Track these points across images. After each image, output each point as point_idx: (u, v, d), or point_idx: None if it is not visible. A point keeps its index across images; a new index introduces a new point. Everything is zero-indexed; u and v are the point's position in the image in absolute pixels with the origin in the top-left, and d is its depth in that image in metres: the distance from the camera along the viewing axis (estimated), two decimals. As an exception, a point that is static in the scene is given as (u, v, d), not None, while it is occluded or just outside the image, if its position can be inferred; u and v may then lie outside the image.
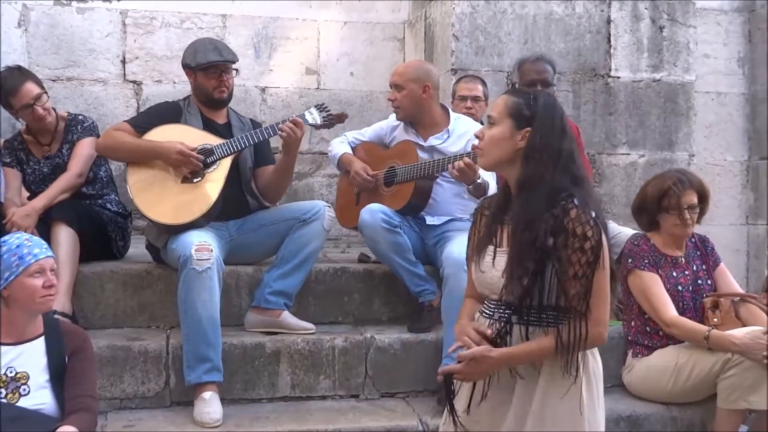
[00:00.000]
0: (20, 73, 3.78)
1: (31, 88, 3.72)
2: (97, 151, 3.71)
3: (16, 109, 3.75)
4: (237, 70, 3.75)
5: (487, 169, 2.38)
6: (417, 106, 3.81)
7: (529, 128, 2.20)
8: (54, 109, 3.88)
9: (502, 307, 2.24)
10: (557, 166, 2.18)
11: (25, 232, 3.19)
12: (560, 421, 2.20)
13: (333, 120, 3.72)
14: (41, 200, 3.62)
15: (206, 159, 3.51)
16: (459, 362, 2.25)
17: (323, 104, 3.76)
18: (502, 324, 2.23)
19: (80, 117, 3.94)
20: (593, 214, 2.14)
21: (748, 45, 5.91)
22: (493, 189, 3.58)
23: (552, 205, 2.14)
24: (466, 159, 3.38)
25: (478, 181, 3.46)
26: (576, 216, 2.13)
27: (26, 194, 3.83)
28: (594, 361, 2.29)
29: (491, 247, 2.27)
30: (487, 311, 2.31)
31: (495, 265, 2.23)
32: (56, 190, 3.67)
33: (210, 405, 3.14)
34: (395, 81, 3.82)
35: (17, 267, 2.57)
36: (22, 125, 3.97)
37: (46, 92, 3.81)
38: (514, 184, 2.25)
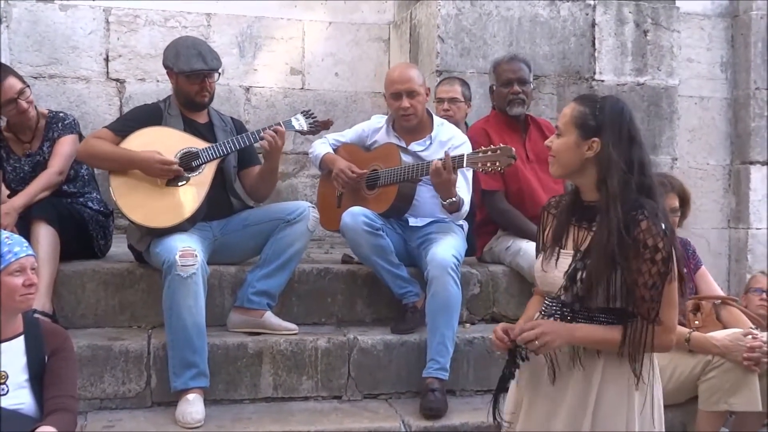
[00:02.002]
0: (8, 72, 3.75)
1: (13, 83, 3.70)
2: (79, 159, 3.68)
3: (5, 100, 3.68)
4: (221, 73, 3.72)
5: (556, 176, 2.41)
6: (424, 111, 3.81)
7: (595, 138, 2.23)
8: (35, 107, 3.84)
9: (558, 305, 2.29)
10: (627, 177, 2.21)
11: (5, 230, 3.13)
12: (613, 421, 2.24)
13: (319, 126, 3.74)
14: (21, 198, 3.59)
15: (191, 163, 3.49)
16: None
17: (309, 111, 3.78)
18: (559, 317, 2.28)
19: (61, 114, 3.91)
20: (663, 226, 2.18)
21: (730, 50, 5.96)
22: (467, 206, 3.65)
23: (624, 217, 2.17)
24: (437, 162, 3.41)
25: (454, 199, 3.49)
26: (647, 228, 2.17)
27: (6, 192, 3.79)
28: (653, 367, 2.34)
29: (556, 248, 2.32)
30: (545, 309, 2.36)
31: (557, 266, 2.28)
32: (36, 188, 3.64)
33: (192, 405, 3.13)
34: (410, 87, 3.73)
35: None
36: (2, 123, 3.92)
37: (28, 86, 3.79)
38: (587, 191, 2.30)
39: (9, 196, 3.71)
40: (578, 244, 2.28)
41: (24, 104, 3.71)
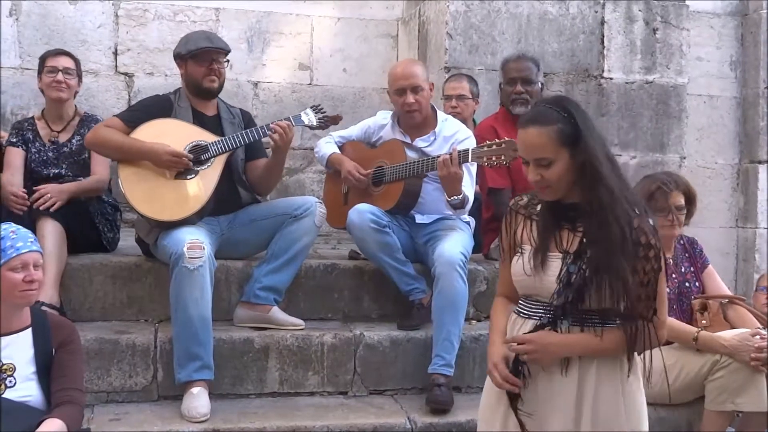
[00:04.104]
0: (65, 50, 4.11)
1: (67, 60, 3.97)
2: (87, 146, 3.71)
3: (45, 69, 3.93)
4: (229, 61, 3.74)
5: (552, 200, 2.22)
6: (428, 107, 3.80)
7: (580, 143, 2.13)
8: (75, 104, 4.04)
9: (549, 310, 2.21)
10: (615, 170, 2.16)
11: (53, 204, 3.54)
12: (612, 420, 2.21)
13: (328, 121, 3.74)
14: (73, 186, 3.73)
15: (200, 156, 3.50)
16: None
17: (319, 105, 3.78)
18: (547, 325, 2.21)
19: (96, 116, 4.10)
20: (651, 222, 2.15)
21: (740, 49, 5.93)
22: (470, 202, 3.65)
23: (620, 216, 2.12)
24: (444, 155, 3.42)
25: (458, 196, 3.50)
26: (639, 226, 2.13)
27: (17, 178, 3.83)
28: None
29: (543, 251, 2.22)
30: (526, 311, 2.28)
31: (547, 270, 2.19)
32: (87, 186, 3.80)
33: (198, 399, 3.13)
34: (414, 83, 3.72)
35: None
36: (36, 112, 4.10)
37: (79, 77, 4.04)
38: (567, 193, 2.20)
39: (28, 177, 3.83)
40: (565, 246, 2.20)
41: (61, 78, 3.89)
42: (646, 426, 2.27)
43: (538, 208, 2.28)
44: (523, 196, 2.37)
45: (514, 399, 2.24)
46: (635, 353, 2.22)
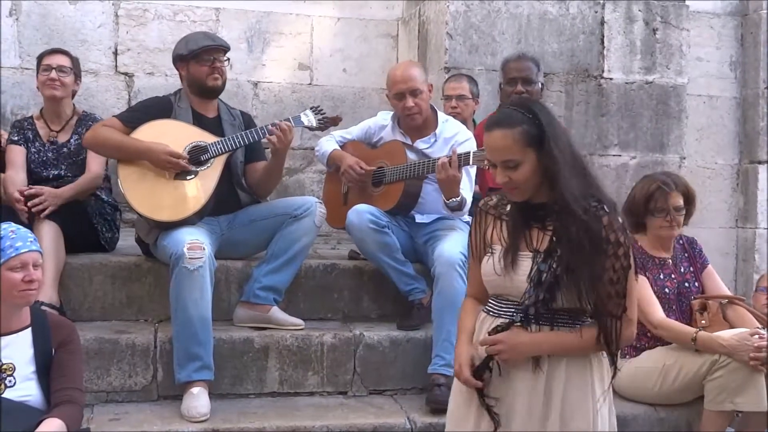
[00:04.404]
0: (63, 49, 4.07)
1: (63, 60, 3.95)
2: (85, 146, 3.70)
3: (42, 66, 3.92)
4: (229, 59, 3.74)
5: (521, 200, 2.23)
6: (428, 108, 3.80)
7: (545, 143, 2.14)
8: (73, 103, 4.04)
9: (519, 309, 2.22)
10: (578, 169, 2.17)
11: (45, 209, 3.53)
12: (580, 417, 2.22)
13: (328, 123, 3.75)
14: (68, 191, 3.70)
15: (200, 157, 3.50)
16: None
17: (319, 107, 3.78)
18: (518, 323, 2.22)
19: (94, 115, 4.09)
20: (620, 220, 2.16)
21: (740, 49, 5.93)
22: (468, 205, 3.64)
23: (587, 213, 2.13)
24: (444, 158, 3.42)
25: (457, 198, 3.49)
26: (608, 223, 2.14)
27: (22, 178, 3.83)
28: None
29: (513, 251, 2.23)
30: (496, 311, 2.29)
31: (517, 269, 2.21)
32: (81, 186, 3.77)
33: (198, 399, 3.13)
34: (413, 86, 3.71)
35: None
36: (35, 111, 4.09)
37: (77, 75, 4.02)
38: (535, 192, 2.20)
39: (28, 178, 3.83)
40: (535, 245, 2.21)
41: (54, 75, 3.87)
42: (613, 422, 2.30)
43: (508, 208, 2.29)
44: (492, 197, 2.38)
45: (481, 396, 2.26)
46: (610, 351, 2.22)
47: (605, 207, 2.16)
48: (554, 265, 2.16)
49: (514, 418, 2.24)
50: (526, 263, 2.20)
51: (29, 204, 3.55)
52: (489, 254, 2.28)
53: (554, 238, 2.18)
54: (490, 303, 2.33)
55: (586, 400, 2.23)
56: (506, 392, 2.26)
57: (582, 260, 2.12)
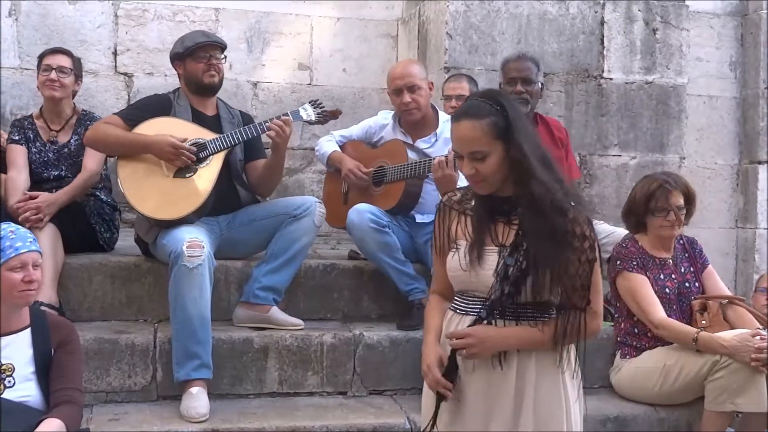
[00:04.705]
0: (64, 48, 4.03)
1: (64, 60, 3.90)
2: (86, 143, 3.69)
3: (42, 66, 3.88)
4: (226, 57, 3.75)
5: (486, 193, 2.21)
6: (428, 106, 3.80)
7: (513, 136, 2.11)
8: (73, 102, 4.01)
9: (486, 304, 2.20)
10: (542, 164, 2.14)
11: (41, 219, 3.48)
12: (553, 413, 2.20)
13: (327, 116, 3.73)
14: (63, 195, 3.66)
15: (199, 154, 3.49)
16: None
17: (317, 100, 3.77)
18: (485, 320, 2.20)
19: (93, 114, 4.05)
20: (586, 214, 2.16)
21: (740, 49, 5.93)
22: None
23: (553, 206, 2.11)
24: (440, 158, 3.42)
25: None
26: (574, 216, 2.13)
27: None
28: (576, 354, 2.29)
29: (477, 245, 2.21)
30: (463, 308, 2.27)
31: (483, 264, 2.19)
32: (76, 187, 3.73)
33: (197, 399, 3.12)
34: (410, 82, 3.73)
35: None
36: (35, 110, 4.06)
37: (78, 76, 4.01)
38: (501, 186, 2.19)
39: (33, 179, 3.81)
40: (501, 239, 2.19)
41: (54, 76, 3.83)
42: (579, 425, 2.26)
43: (473, 203, 2.27)
44: (456, 192, 2.36)
45: (439, 400, 2.24)
46: (570, 344, 2.21)
47: (571, 201, 2.15)
48: (521, 259, 2.14)
49: (488, 416, 2.22)
50: (492, 258, 2.18)
51: (23, 217, 3.48)
52: (454, 250, 2.26)
53: (520, 232, 2.16)
54: (456, 300, 2.31)
55: (560, 400, 2.21)
56: (470, 389, 2.24)
57: (548, 253, 2.11)
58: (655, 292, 3.46)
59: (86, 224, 3.79)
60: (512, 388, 2.20)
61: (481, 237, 2.21)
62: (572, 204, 2.15)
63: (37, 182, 3.78)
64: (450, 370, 2.22)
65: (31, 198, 3.57)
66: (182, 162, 3.46)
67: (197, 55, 3.60)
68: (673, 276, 3.55)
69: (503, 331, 2.19)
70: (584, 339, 2.22)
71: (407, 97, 3.74)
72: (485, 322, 2.20)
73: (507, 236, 2.19)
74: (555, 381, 2.22)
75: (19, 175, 3.75)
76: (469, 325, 2.22)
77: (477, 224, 2.22)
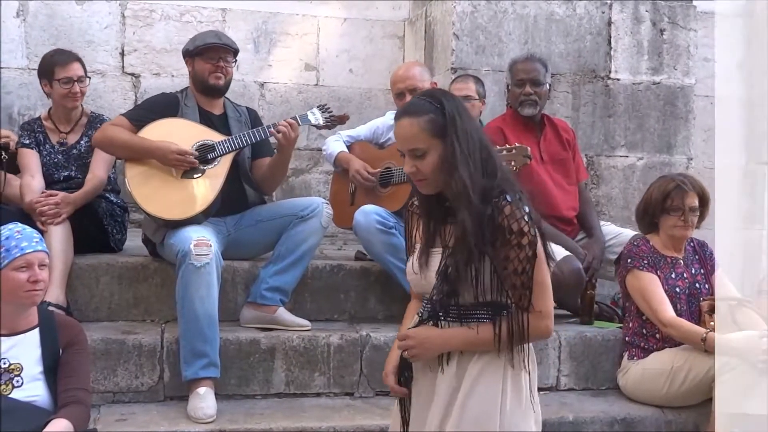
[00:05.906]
0: (72, 54, 3.95)
1: (78, 67, 3.87)
2: (95, 145, 3.70)
3: (57, 79, 3.82)
4: (236, 61, 3.75)
5: (430, 193, 2.19)
6: None
7: (451, 134, 2.11)
8: (81, 106, 3.99)
9: (432, 306, 2.20)
10: (476, 161, 2.11)
11: (59, 215, 3.51)
12: (484, 417, 2.14)
13: (335, 121, 3.74)
14: (79, 197, 3.67)
15: (207, 155, 3.50)
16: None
17: (326, 105, 3.78)
18: (427, 321, 2.20)
19: (103, 116, 4.05)
20: (527, 209, 2.11)
21: (747, 50, 5.91)
22: None
23: (486, 204, 2.08)
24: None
25: None
26: (510, 212, 2.08)
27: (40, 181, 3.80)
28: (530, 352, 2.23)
29: (425, 247, 2.21)
30: (421, 312, 2.27)
31: (429, 266, 2.19)
32: (88, 191, 3.73)
33: (204, 400, 3.13)
34: (411, 85, 3.73)
35: (3, 260, 2.55)
36: (43, 112, 4.03)
37: (89, 77, 3.96)
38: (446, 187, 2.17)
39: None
40: (446, 240, 2.16)
41: (77, 89, 3.83)
42: (530, 425, 2.20)
43: (415, 203, 2.27)
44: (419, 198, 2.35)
45: (402, 403, 2.26)
46: (517, 346, 2.15)
47: (507, 197, 2.10)
48: (457, 258, 2.11)
49: (427, 418, 2.20)
50: (436, 259, 2.17)
51: (41, 210, 3.52)
52: (412, 254, 2.27)
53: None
54: (423, 304, 2.29)
55: (495, 404, 2.14)
56: (419, 392, 2.24)
57: (479, 252, 2.07)
58: (666, 291, 3.46)
59: (99, 226, 3.80)
60: (449, 388, 2.18)
61: (429, 239, 2.21)
62: (509, 200, 2.10)
63: (48, 184, 3.77)
64: (401, 373, 2.25)
65: (51, 196, 3.58)
66: (186, 168, 3.47)
67: (206, 56, 3.61)
68: (685, 275, 3.55)
69: (444, 333, 2.18)
70: (527, 341, 2.16)
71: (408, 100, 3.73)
72: (431, 323, 2.19)
73: (451, 236, 2.17)
74: (494, 383, 2.15)
75: (33, 180, 3.74)
76: (411, 327, 2.23)
77: (425, 226, 2.23)
